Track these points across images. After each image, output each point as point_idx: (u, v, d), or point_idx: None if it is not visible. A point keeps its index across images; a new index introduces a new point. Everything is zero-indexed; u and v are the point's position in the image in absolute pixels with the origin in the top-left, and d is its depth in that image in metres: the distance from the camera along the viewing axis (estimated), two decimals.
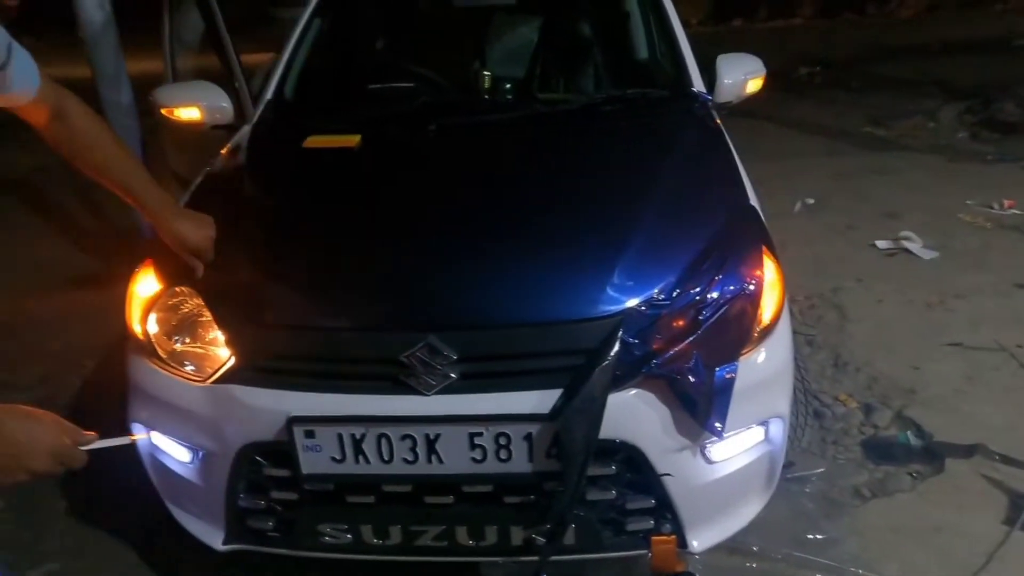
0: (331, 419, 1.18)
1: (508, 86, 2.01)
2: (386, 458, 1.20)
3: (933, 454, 1.90)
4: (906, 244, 3.40)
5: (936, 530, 1.64)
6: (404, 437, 1.18)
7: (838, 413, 2.15)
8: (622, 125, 1.73)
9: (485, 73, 2.00)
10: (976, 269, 3.08)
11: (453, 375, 1.17)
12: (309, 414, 1.18)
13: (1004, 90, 6.01)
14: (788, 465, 1.88)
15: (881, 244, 3.45)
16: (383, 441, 1.19)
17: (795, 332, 2.74)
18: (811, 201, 4.20)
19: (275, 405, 1.18)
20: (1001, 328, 2.56)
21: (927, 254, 3.29)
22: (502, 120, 1.81)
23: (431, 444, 1.19)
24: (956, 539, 1.61)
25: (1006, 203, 3.80)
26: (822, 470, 1.89)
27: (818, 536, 1.64)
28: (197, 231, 1.23)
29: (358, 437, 1.19)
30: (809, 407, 1.74)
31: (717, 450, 1.25)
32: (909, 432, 2.02)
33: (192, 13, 2.46)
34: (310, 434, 1.19)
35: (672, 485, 1.23)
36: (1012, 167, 4.58)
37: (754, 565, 1.57)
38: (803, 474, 1.87)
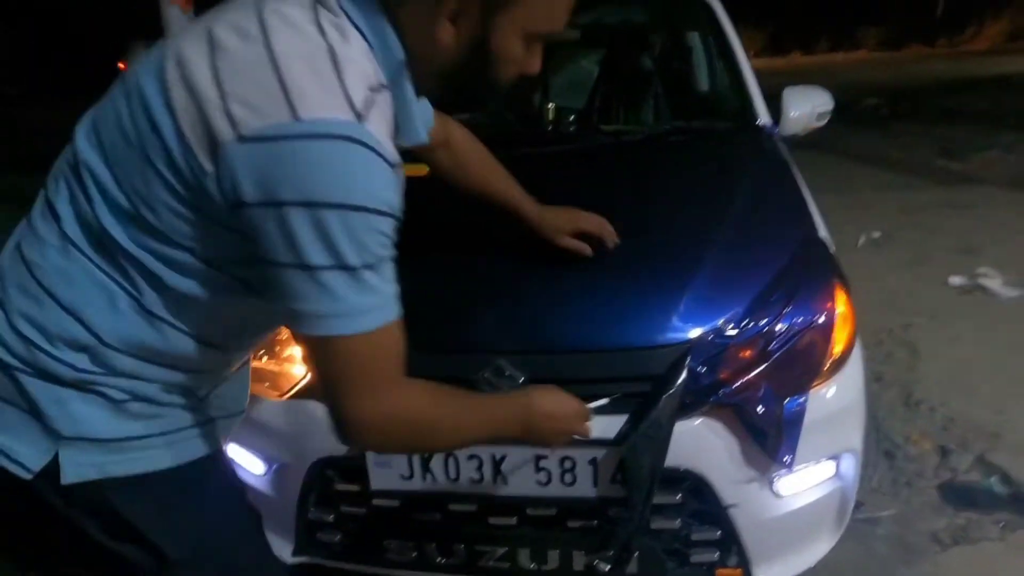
0: None
1: (571, 118, 2.06)
2: (452, 476, 1.23)
3: (1022, 502, 1.80)
4: (983, 281, 3.25)
5: None
6: (471, 457, 1.21)
7: (911, 454, 2.06)
8: (688, 156, 1.75)
9: (549, 105, 2.06)
10: None
11: None
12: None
13: None
14: (858, 505, 1.81)
15: (955, 281, 3.31)
16: (450, 460, 1.22)
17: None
18: (877, 235, 4.08)
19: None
20: None
21: (1008, 292, 3.14)
22: (567, 151, 1.86)
23: (497, 465, 1.21)
24: None
25: None
26: (894, 512, 1.81)
27: None
28: (569, 222, 1.28)
29: (425, 457, 1.22)
30: (880, 445, 1.68)
31: (785, 484, 1.23)
32: (994, 478, 1.91)
33: None
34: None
35: (738, 517, 1.21)
36: None
37: None
38: (874, 515, 1.79)
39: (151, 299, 0.71)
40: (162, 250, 0.69)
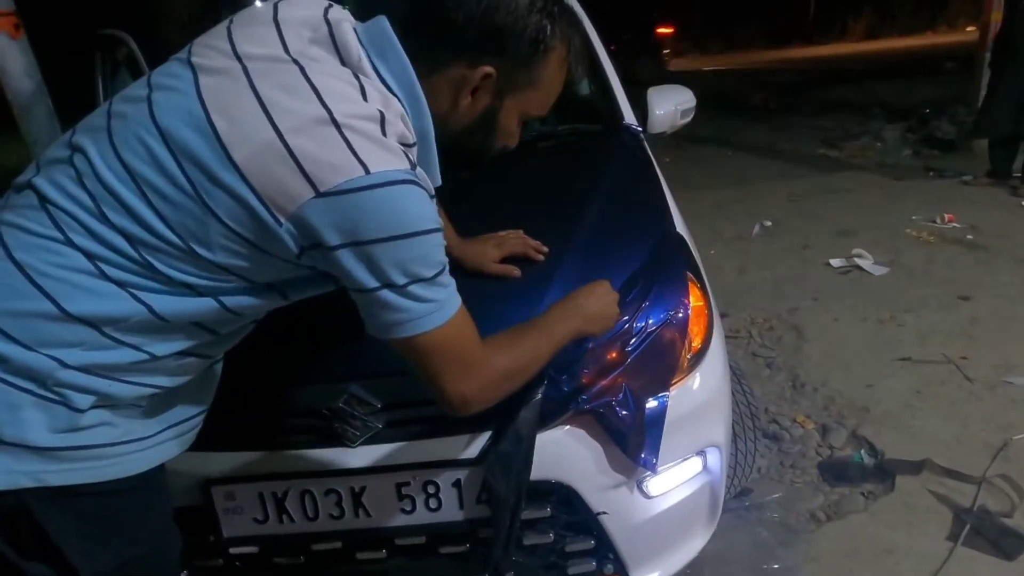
0: (251, 478, 1.13)
1: None
2: (311, 515, 1.15)
3: (885, 472, 1.90)
4: (858, 261, 3.47)
5: (887, 552, 1.62)
6: (328, 492, 1.14)
7: (796, 435, 2.15)
8: (553, 161, 1.74)
9: None
10: (923, 283, 3.15)
11: (378, 424, 1.13)
12: (228, 475, 1.13)
13: (940, 110, 6.27)
14: (747, 492, 1.86)
15: (835, 262, 3.52)
16: (307, 497, 1.14)
17: (755, 355, 2.80)
18: (768, 223, 4.29)
19: (192, 468, 1.13)
20: (947, 341, 2.60)
21: (878, 270, 3.36)
22: None
23: (357, 497, 1.14)
24: (905, 559, 1.60)
25: (947, 217, 3.92)
26: (779, 495, 1.87)
27: (775, 566, 1.61)
28: (494, 248, 1.29)
29: (280, 495, 1.14)
30: (757, 431, 1.72)
31: (655, 484, 1.23)
32: (863, 451, 2.02)
33: (126, 80, 2.45)
34: (230, 496, 1.14)
35: (610, 524, 1.20)
36: (951, 183, 4.75)
37: None
38: (761, 500, 1.85)
39: (168, 310, 0.76)
40: (210, 276, 0.76)
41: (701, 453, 1.28)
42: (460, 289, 1.26)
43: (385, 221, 0.72)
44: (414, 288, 0.76)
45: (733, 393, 1.52)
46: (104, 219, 0.72)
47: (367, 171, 0.70)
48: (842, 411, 2.23)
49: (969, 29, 14.39)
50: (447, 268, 0.80)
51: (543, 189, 1.62)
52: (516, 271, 1.25)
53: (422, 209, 0.75)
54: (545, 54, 0.83)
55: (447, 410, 0.85)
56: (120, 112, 0.76)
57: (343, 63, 0.77)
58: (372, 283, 0.75)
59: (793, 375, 2.51)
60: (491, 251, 1.27)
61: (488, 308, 1.21)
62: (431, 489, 1.14)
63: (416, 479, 1.14)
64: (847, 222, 4.14)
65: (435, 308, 0.78)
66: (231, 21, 0.81)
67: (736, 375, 1.73)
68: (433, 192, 0.80)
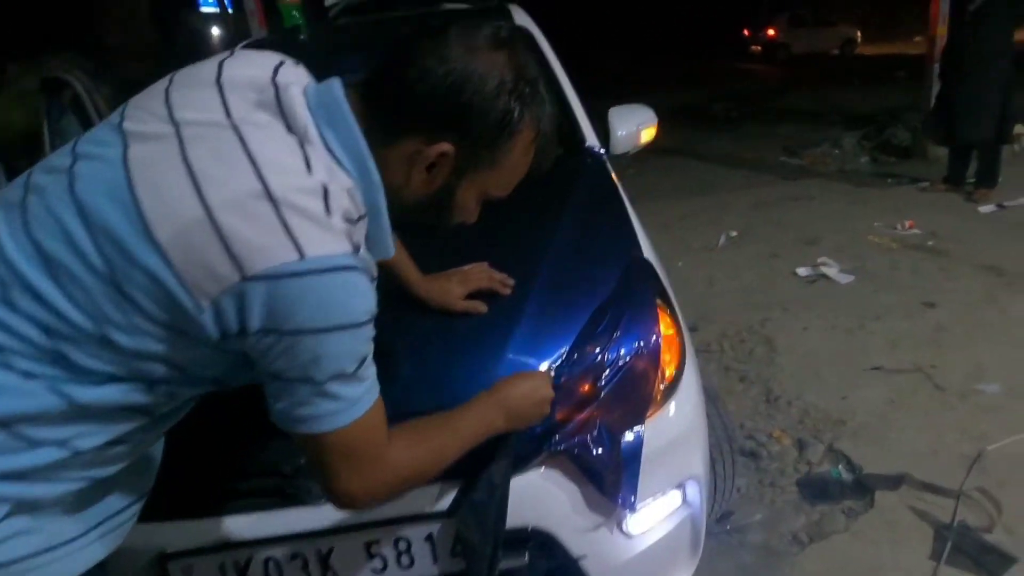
0: (210, 549, 1.06)
1: None
2: None
3: (864, 488, 1.89)
4: (824, 270, 3.50)
5: (872, 572, 1.61)
6: (293, 556, 1.07)
7: (773, 452, 2.13)
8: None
9: None
10: (888, 290, 3.19)
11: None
12: (185, 548, 1.05)
13: (894, 117, 6.43)
14: (727, 515, 1.83)
15: (802, 271, 3.54)
16: (270, 565, 1.07)
17: (728, 369, 2.80)
18: (734, 233, 4.32)
19: (144, 542, 1.05)
20: (916, 348, 2.62)
21: (844, 278, 3.39)
22: None
23: (324, 560, 1.08)
24: None
25: (908, 223, 4.00)
26: (760, 517, 1.84)
27: None
28: (459, 285, 1.24)
29: (242, 564, 1.06)
30: (735, 453, 1.70)
31: (634, 522, 1.18)
32: (840, 466, 2.01)
33: (71, 123, 2.36)
34: (188, 570, 1.06)
35: (591, 567, 1.15)
36: (909, 189, 4.86)
37: None
38: (743, 523, 1.82)
39: (91, 399, 0.69)
40: (131, 364, 0.69)
41: (680, 486, 1.24)
42: (425, 329, 1.24)
43: (314, 312, 0.66)
44: (331, 386, 0.70)
45: (708, 416, 1.49)
46: (11, 306, 0.65)
47: (301, 255, 0.64)
48: (818, 425, 2.23)
49: (917, 40, 14.95)
50: (370, 358, 0.75)
51: (506, 218, 1.57)
52: (482, 307, 1.21)
53: (356, 299, 0.69)
54: (511, 137, 0.76)
55: (331, 502, 0.80)
56: (38, 185, 0.69)
57: (289, 130, 0.70)
58: (288, 374, 0.69)
59: (767, 388, 2.50)
60: (456, 288, 1.22)
61: (455, 347, 1.17)
62: (402, 546, 1.08)
63: (386, 536, 1.07)
64: (812, 230, 4.18)
65: (347, 406, 0.72)
66: (171, 81, 0.74)
67: (710, 396, 1.70)
68: (375, 274, 0.75)
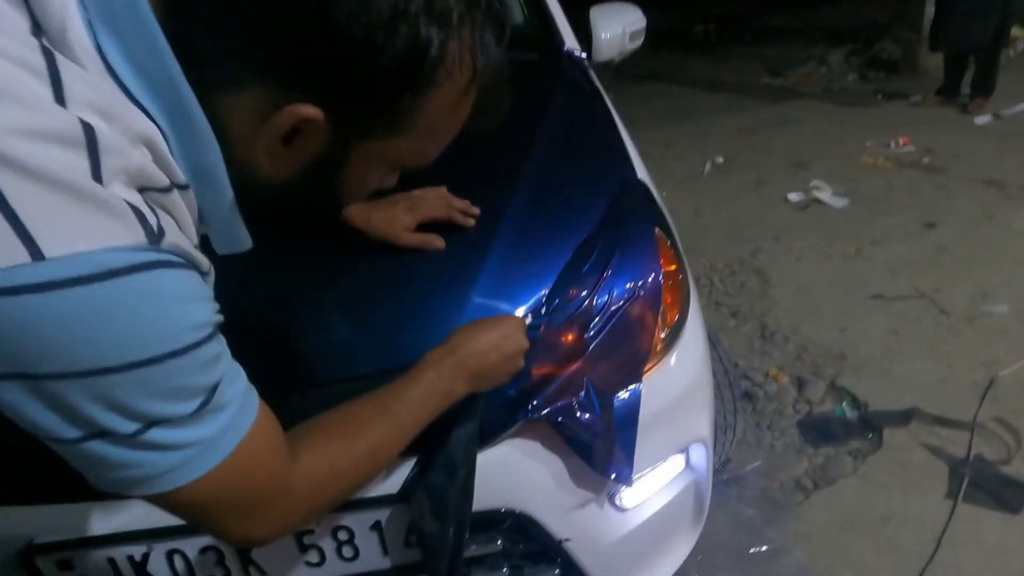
0: (95, 540, 0.84)
1: None
2: None
3: (870, 426, 1.74)
4: (817, 194, 3.30)
5: (884, 520, 1.47)
6: (205, 550, 0.86)
7: (771, 392, 1.97)
8: None
9: None
10: (885, 212, 3.00)
11: None
12: (60, 538, 0.84)
13: (882, 30, 6.12)
14: (725, 463, 1.67)
15: (793, 197, 3.34)
16: (176, 559, 0.86)
17: (719, 304, 2.62)
18: (720, 160, 4.09)
19: (5, 530, 0.83)
20: (917, 272, 2.46)
21: (838, 202, 3.20)
22: None
23: (245, 554, 0.87)
24: (904, 526, 1.44)
25: (901, 141, 3.79)
26: (760, 463, 1.69)
27: (762, 548, 1.43)
28: (407, 213, 0.98)
29: (139, 558, 0.85)
30: (736, 399, 1.52)
31: (629, 495, 1.00)
32: (844, 404, 1.86)
33: None
34: (66, 565, 0.85)
35: (577, 549, 0.96)
36: (901, 104, 4.62)
37: None
38: (741, 471, 1.67)
39: None
40: None
41: (684, 451, 1.05)
42: (361, 271, 0.97)
43: (81, 345, 0.39)
44: (153, 435, 0.45)
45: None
46: None
47: (37, 255, 0.37)
48: (817, 361, 2.07)
49: None
50: (227, 376, 0.49)
51: (471, 134, 1.31)
52: (438, 242, 0.97)
53: (167, 315, 0.43)
54: (425, 87, 0.47)
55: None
56: None
57: (35, 29, 0.41)
58: (68, 433, 0.43)
59: (761, 324, 2.33)
60: (403, 216, 0.97)
61: (398, 300, 0.94)
62: (342, 536, 0.88)
63: (321, 525, 0.87)
64: (801, 153, 3.96)
65: (198, 453, 0.47)
66: None
67: (712, 341, 1.50)
68: (206, 268, 0.49)
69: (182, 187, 0.47)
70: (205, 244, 0.54)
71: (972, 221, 2.78)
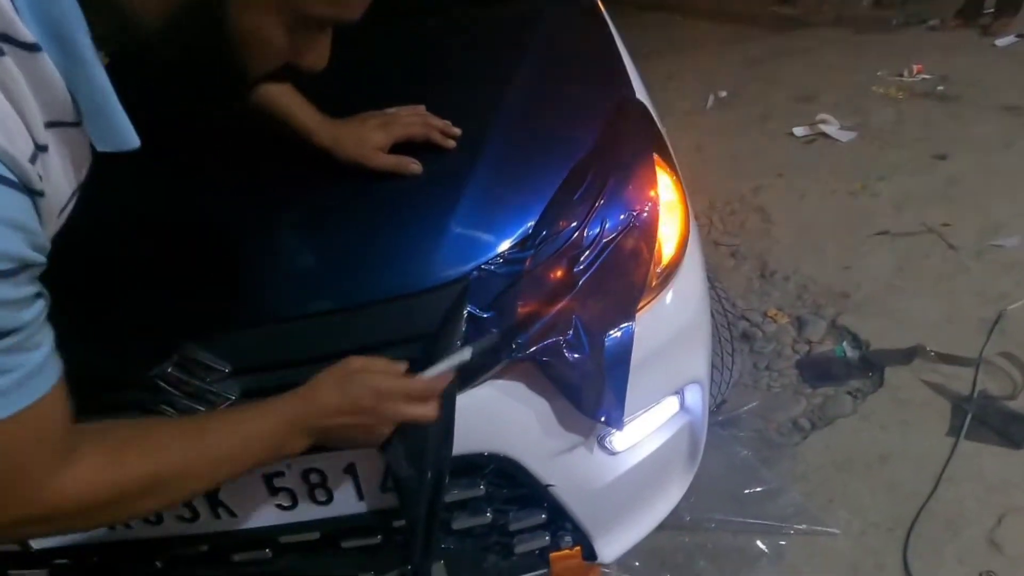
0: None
1: None
2: (152, 519, 0.84)
3: (872, 365, 1.69)
4: (823, 128, 3.16)
5: (882, 459, 1.43)
6: None
7: (769, 332, 1.91)
8: (466, 15, 1.30)
9: None
10: (894, 145, 2.88)
11: (231, 395, 0.79)
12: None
13: None
14: (720, 404, 1.63)
15: (798, 131, 3.21)
16: None
17: (717, 244, 2.53)
18: (724, 94, 3.92)
19: None
20: (925, 207, 2.36)
21: (845, 136, 3.07)
22: None
23: (212, 495, 0.83)
24: (903, 466, 1.41)
25: (915, 68, 3.60)
26: (756, 404, 1.65)
27: (757, 489, 1.40)
28: (378, 131, 0.88)
29: None
30: (734, 339, 1.46)
31: (620, 438, 0.94)
32: (845, 343, 1.80)
33: None
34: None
35: (564, 494, 0.92)
36: (917, 30, 4.39)
37: (687, 539, 1.32)
38: (736, 412, 1.63)
39: None
40: None
41: (678, 392, 0.99)
42: (328, 195, 0.85)
43: None
44: None
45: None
46: None
47: None
48: (818, 300, 2.00)
49: None
50: (11, 339, 0.42)
51: (455, 52, 1.20)
52: (413, 165, 0.88)
53: None
54: None
55: None
56: None
57: None
58: None
59: (761, 263, 2.25)
60: (375, 136, 0.87)
61: (367, 229, 0.85)
62: (314, 479, 0.83)
63: (291, 467, 0.82)
64: (808, 86, 3.78)
65: None
66: None
67: (710, 279, 1.43)
68: (38, 187, 0.40)
69: (25, 47, 0.37)
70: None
71: (986, 150, 2.66)
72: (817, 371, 1.72)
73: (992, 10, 4.00)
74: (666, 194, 0.96)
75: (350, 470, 0.83)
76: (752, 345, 1.87)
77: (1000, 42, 3.78)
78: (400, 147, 0.90)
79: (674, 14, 6.30)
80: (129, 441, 0.55)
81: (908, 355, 1.68)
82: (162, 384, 0.77)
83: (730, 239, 2.45)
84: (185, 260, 0.84)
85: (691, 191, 2.99)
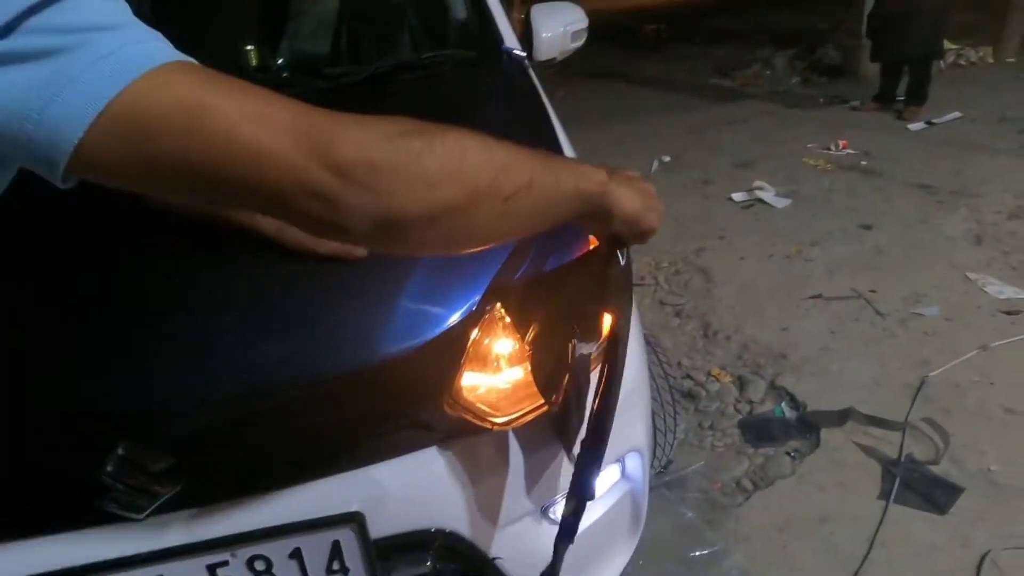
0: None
1: (280, 61, 1.59)
2: None
3: (808, 426, 1.77)
4: (760, 194, 3.37)
5: (821, 520, 1.49)
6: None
7: (713, 391, 1.98)
8: (416, 96, 1.38)
9: (248, 48, 1.57)
10: (825, 214, 3.08)
11: (172, 487, 0.79)
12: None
13: (824, 37, 6.31)
14: (666, 465, 1.67)
15: (737, 196, 3.40)
16: None
17: (663, 303, 2.63)
18: (667, 159, 4.13)
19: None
20: (855, 273, 2.52)
21: (780, 202, 3.27)
22: None
23: None
24: (840, 526, 1.47)
25: (841, 144, 3.90)
26: (702, 464, 1.70)
27: (703, 552, 1.43)
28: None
29: None
30: (675, 402, 1.52)
31: (563, 506, 0.97)
32: (784, 404, 1.88)
33: None
34: None
35: (511, 566, 0.93)
36: (841, 108, 4.77)
37: None
38: (682, 472, 1.67)
39: None
40: None
41: (619, 460, 1.03)
42: (272, 282, 0.86)
43: None
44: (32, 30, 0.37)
45: (649, 367, 1.29)
46: None
47: None
48: (758, 360, 2.09)
49: None
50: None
51: None
52: (358, 251, 0.92)
53: None
54: None
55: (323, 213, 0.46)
56: None
57: None
58: None
59: (704, 323, 2.35)
60: None
61: (318, 312, 0.87)
62: (260, 566, 0.82)
63: (236, 556, 0.81)
64: (746, 153, 4.04)
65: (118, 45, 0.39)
66: None
67: (650, 343, 1.50)
68: None
69: None
70: None
71: (906, 224, 2.87)
72: (758, 431, 1.79)
73: (903, 98, 4.40)
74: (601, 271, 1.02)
75: (296, 555, 0.83)
76: (697, 404, 1.94)
77: (912, 127, 4.16)
78: None
79: (620, 82, 6.66)
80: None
81: (842, 417, 1.77)
82: (105, 481, 0.76)
83: (675, 298, 2.55)
84: (124, 346, 0.84)
85: (637, 252, 3.12)
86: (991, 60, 5.53)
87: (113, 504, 0.78)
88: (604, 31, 8.21)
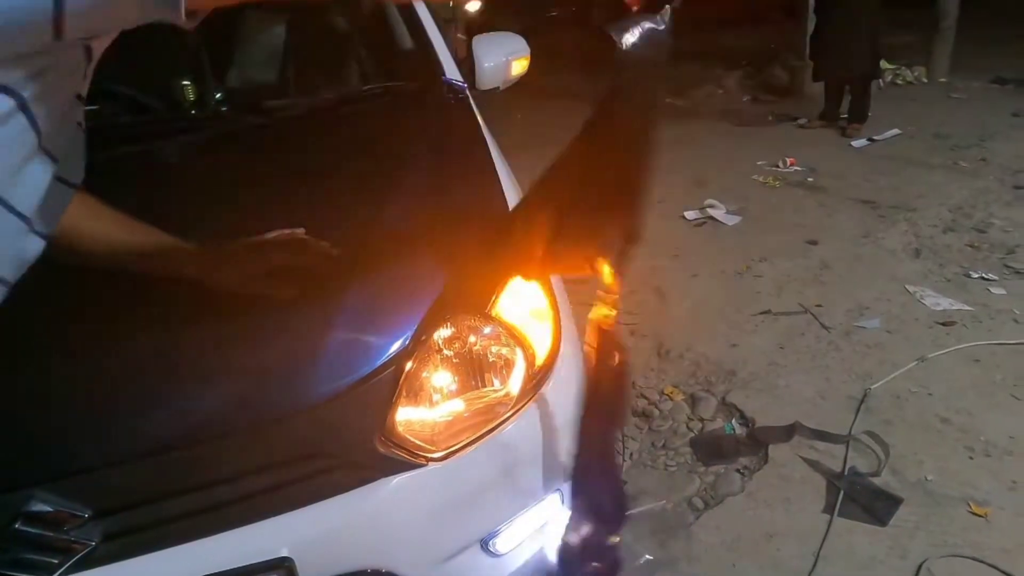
0: None
1: (219, 96, 1.58)
2: None
3: (757, 442, 1.80)
4: (711, 212, 3.44)
5: (768, 537, 1.51)
6: None
7: (666, 410, 2.01)
8: (349, 130, 1.39)
9: (184, 83, 1.55)
10: (774, 230, 3.17)
11: (92, 540, 0.77)
12: None
13: (773, 57, 6.53)
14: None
15: (689, 215, 3.47)
16: None
17: (618, 323, 2.66)
18: None
19: None
20: (802, 288, 2.60)
21: (730, 220, 3.35)
22: (210, 138, 1.39)
23: None
24: (786, 542, 1.49)
25: (789, 161, 4.03)
26: (654, 484, 1.71)
27: (655, 574, 1.44)
28: (250, 260, 0.88)
29: None
30: (638, 405, 1.54)
31: (503, 540, 0.97)
32: (734, 420, 1.92)
33: None
34: None
35: None
36: (789, 126, 4.94)
37: None
38: (636, 494, 1.68)
39: None
40: None
41: (559, 490, 1.03)
42: (194, 332, 0.83)
43: None
44: None
45: None
46: None
47: None
48: (709, 377, 2.13)
49: None
50: None
51: (333, 166, 1.26)
52: (285, 291, 0.91)
53: None
54: None
55: None
56: None
57: None
58: None
59: (658, 342, 2.39)
60: (250, 264, 0.89)
61: (241, 358, 0.86)
62: None
63: None
64: (699, 171, 4.13)
65: None
66: None
67: None
68: None
69: None
70: None
71: (850, 239, 2.97)
72: (709, 449, 1.81)
73: (846, 115, 4.59)
74: (535, 301, 1.04)
75: None
76: (650, 424, 1.96)
77: (855, 143, 4.34)
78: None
79: (574, 102, 6.73)
80: None
81: (788, 432, 1.81)
82: (16, 539, 0.74)
83: (630, 318, 2.58)
84: (38, 397, 0.81)
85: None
86: (925, 80, 5.80)
87: (27, 560, 0.75)
88: (554, 53, 8.37)
